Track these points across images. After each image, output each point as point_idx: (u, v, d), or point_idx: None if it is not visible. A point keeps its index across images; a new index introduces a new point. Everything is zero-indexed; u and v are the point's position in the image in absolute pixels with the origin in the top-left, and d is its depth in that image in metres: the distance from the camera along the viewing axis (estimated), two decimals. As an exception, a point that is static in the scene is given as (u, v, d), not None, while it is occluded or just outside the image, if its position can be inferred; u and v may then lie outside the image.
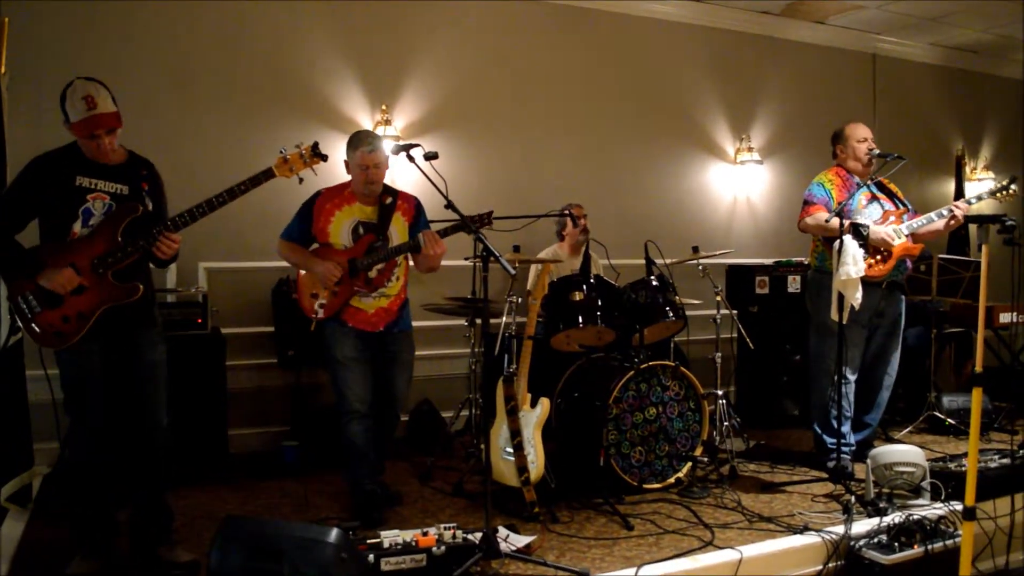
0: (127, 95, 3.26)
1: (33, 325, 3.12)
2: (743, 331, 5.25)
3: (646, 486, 4.36)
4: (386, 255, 3.95)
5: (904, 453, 4.07)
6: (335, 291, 3.95)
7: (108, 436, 3.28)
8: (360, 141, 3.95)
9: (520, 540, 3.52)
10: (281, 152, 3.35)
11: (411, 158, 3.66)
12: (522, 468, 3.95)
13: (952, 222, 4.56)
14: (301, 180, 3.42)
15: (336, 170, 5.53)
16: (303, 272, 4.07)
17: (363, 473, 4.06)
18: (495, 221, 4.32)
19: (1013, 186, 4.67)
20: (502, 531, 3.57)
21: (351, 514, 4.02)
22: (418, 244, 3.88)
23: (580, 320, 4.44)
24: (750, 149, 7.11)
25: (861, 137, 4.69)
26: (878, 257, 4.49)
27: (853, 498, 3.89)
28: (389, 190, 4.09)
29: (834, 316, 4.28)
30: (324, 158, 3.42)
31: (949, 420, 5.63)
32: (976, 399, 3.08)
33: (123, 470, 3.36)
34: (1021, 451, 4.38)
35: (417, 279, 4.63)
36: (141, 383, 3.31)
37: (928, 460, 4.12)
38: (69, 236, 3.16)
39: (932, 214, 4.57)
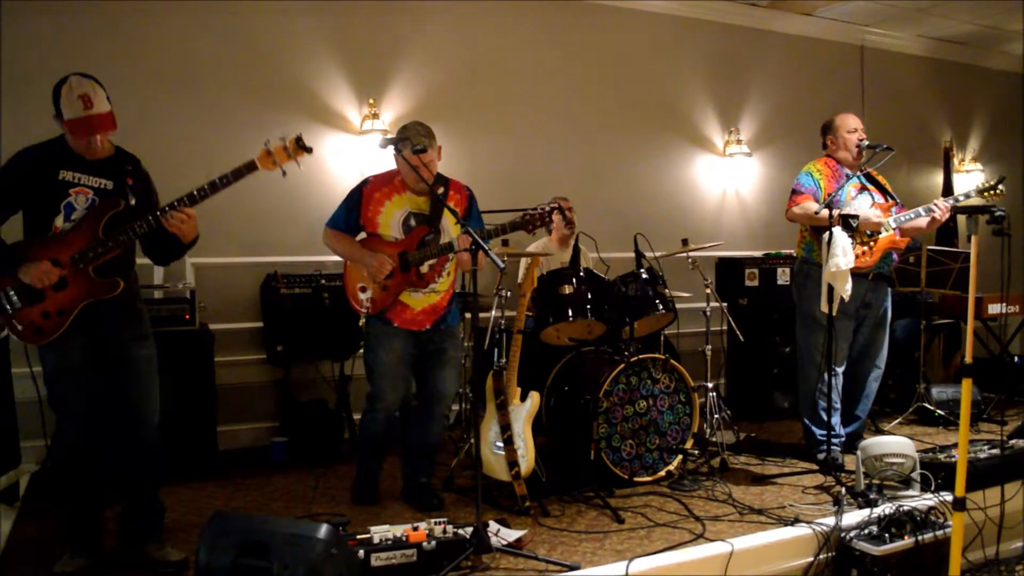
0: (115, 90, 3.22)
1: (14, 321, 3.10)
2: (733, 323, 5.26)
3: (637, 479, 4.36)
4: (438, 251, 3.82)
5: (894, 444, 4.08)
6: (385, 285, 3.85)
7: (96, 433, 3.25)
8: (409, 141, 3.74)
9: (511, 534, 3.51)
10: (265, 144, 3.26)
11: (399, 151, 3.63)
12: (512, 462, 3.94)
13: (933, 220, 4.59)
14: (284, 173, 3.32)
15: (321, 162, 5.52)
16: (350, 264, 3.97)
17: (373, 459, 4.11)
18: (485, 215, 4.16)
19: (1001, 186, 4.68)
20: (493, 525, 3.55)
21: (349, 492, 4.15)
22: (453, 246, 3.76)
23: (570, 313, 4.43)
24: (739, 141, 7.12)
25: (851, 128, 4.69)
26: (864, 249, 4.50)
27: (843, 490, 3.89)
28: (440, 179, 3.95)
29: (824, 308, 4.28)
30: (308, 150, 3.32)
31: (938, 411, 5.65)
32: (965, 390, 3.08)
33: (112, 467, 3.33)
34: (1010, 441, 4.40)
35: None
36: (128, 379, 3.27)
37: (918, 451, 4.13)
38: (51, 230, 3.12)
39: (920, 209, 4.58)
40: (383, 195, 3.91)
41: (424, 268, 3.89)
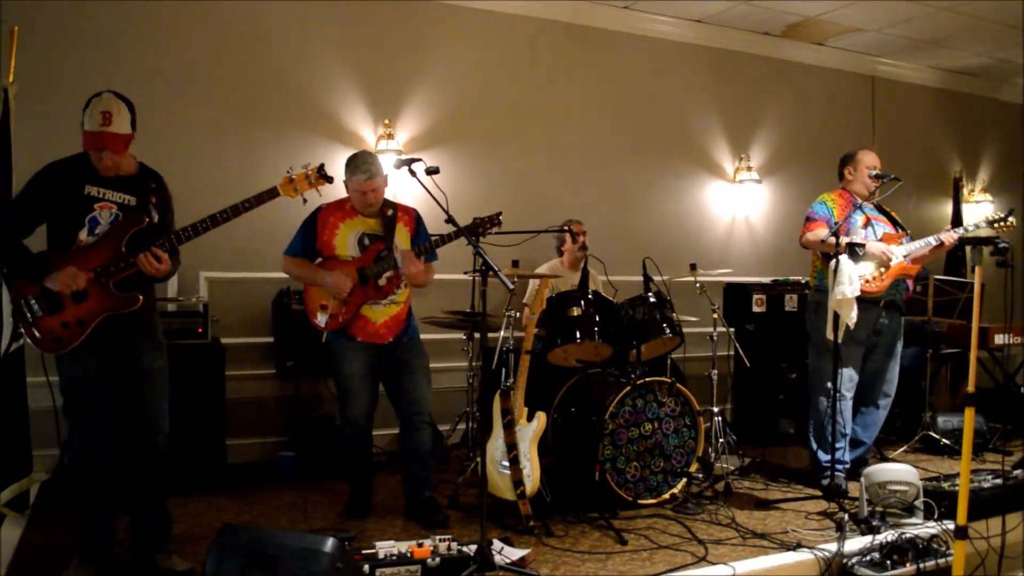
0: (135, 106, 3.30)
1: (34, 330, 3.15)
2: (739, 349, 5.28)
3: (641, 501, 4.38)
4: (394, 263, 3.99)
5: (898, 472, 4.09)
6: (346, 300, 3.99)
7: (107, 442, 3.29)
8: (357, 168, 4.00)
9: (515, 553, 3.54)
10: (287, 172, 3.39)
11: (413, 173, 3.70)
12: (518, 482, 3.96)
13: (942, 246, 4.64)
14: (305, 201, 3.49)
15: (336, 181, 5.58)
16: (310, 286, 4.10)
17: (355, 472, 4.23)
18: (496, 236, 4.25)
19: (1011, 218, 4.71)
20: (497, 544, 3.58)
21: (343, 508, 4.20)
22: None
23: (578, 335, 4.46)
24: (749, 168, 7.17)
25: (871, 164, 4.74)
26: (875, 274, 4.53)
27: (846, 516, 3.91)
28: (388, 203, 4.14)
29: (829, 335, 4.31)
30: (330, 180, 3.44)
31: (944, 440, 5.65)
32: (968, 419, 3.10)
33: (122, 476, 3.37)
34: (1014, 472, 4.41)
35: (417, 292, 4.66)
36: (141, 390, 3.33)
37: (922, 479, 4.14)
38: (75, 244, 3.19)
39: (930, 239, 4.61)
40: (337, 219, 4.09)
41: (382, 281, 4.04)
